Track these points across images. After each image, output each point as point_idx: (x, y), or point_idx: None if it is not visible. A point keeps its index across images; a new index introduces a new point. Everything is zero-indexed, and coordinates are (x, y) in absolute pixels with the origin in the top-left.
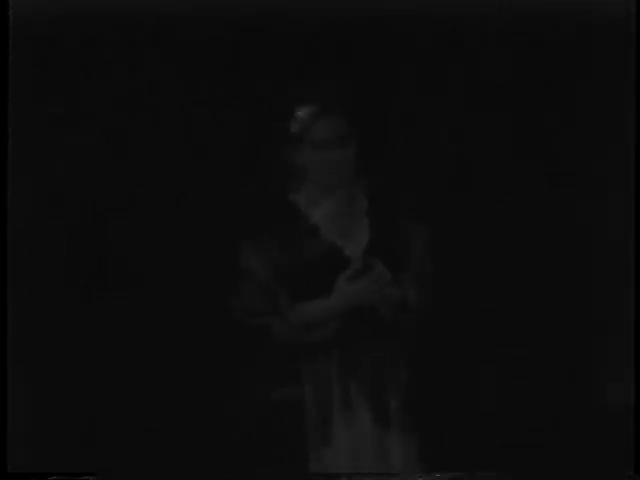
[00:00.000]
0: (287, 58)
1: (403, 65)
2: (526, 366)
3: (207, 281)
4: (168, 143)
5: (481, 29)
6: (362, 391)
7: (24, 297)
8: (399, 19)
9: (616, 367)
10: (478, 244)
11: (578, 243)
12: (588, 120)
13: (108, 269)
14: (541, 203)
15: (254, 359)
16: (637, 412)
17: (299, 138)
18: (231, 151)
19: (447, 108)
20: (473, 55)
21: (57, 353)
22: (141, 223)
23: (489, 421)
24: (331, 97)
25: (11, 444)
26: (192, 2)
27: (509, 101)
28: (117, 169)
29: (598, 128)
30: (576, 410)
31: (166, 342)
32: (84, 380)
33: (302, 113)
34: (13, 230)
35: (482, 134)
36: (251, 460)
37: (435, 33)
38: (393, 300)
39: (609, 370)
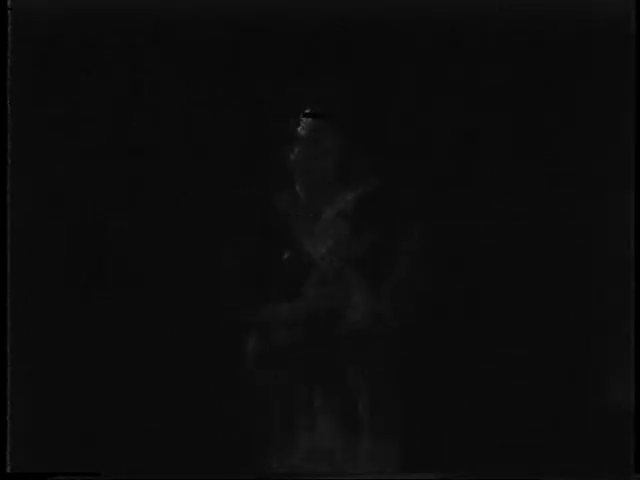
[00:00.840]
0: (287, 58)
1: (403, 65)
2: (526, 366)
3: (207, 281)
4: (168, 143)
5: (481, 29)
6: (336, 393)
7: (24, 297)
8: (399, 19)
9: (616, 367)
10: (477, 244)
11: (578, 243)
12: (588, 120)
13: (108, 269)
14: (541, 203)
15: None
16: (637, 412)
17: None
18: (231, 151)
19: (447, 108)
20: (473, 55)
21: (57, 353)
22: (141, 223)
23: (488, 421)
24: (331, 97)
25: (11, 444)
26: (192, 2)
27: (509, 101)
28: (117, 169)
29: (598, 128)
30: (576, 410)
31: (166, 342)
32: (85, 380)
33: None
34: (13, 230)
35: (482, 134)
36: (252, 459)
37: (435, 33)
38: (366, 308)
39: (609, 370)
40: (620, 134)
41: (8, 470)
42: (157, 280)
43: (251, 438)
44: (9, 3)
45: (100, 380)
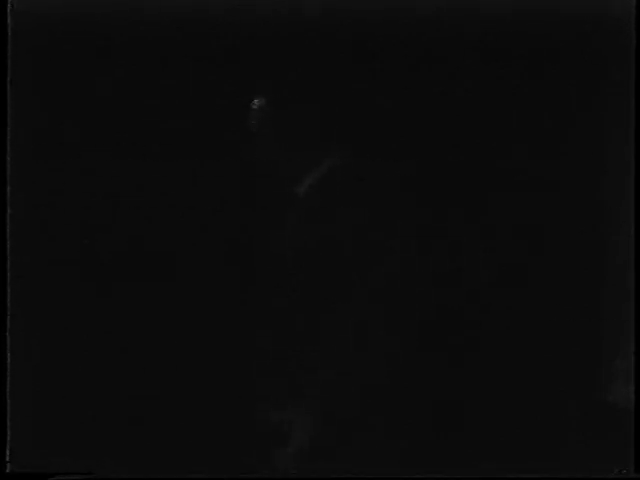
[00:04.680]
0: (286, 57)
1: (405, 66)
2: (526, 366)
3: (207, 280)
4: (168, 142)
5: (482, 29)
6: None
7: (24, 296)
8: (399, 19)
9: (617, 367)
10: (477, 244)
11: (578, 243)
12: (588, 120)
13: (108, 267)
14: (541, 202)
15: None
16: (637, 412)
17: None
18: (231, 151)
19: (447, 108)
20: (472, 56)
21: (58, 352)
22: (141, 222)
23: (488, 421)
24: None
25: (11, 444)
26: (191, 2)
27: (510, 101)
28: (117, 169)
29: (598, 128)
30: (577, 409)
31: (167, 341)
32: (85, 380)
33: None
34: (13, 229)
35: (482, 134)
36: (251, 459)
37: (435, 33)
38: None
39: (610, 369)
40: (620, 134)
41: (8, 470)
42: (158, 279)
43: (247, 438)
44: (10, 4)
45: (101, 381)
